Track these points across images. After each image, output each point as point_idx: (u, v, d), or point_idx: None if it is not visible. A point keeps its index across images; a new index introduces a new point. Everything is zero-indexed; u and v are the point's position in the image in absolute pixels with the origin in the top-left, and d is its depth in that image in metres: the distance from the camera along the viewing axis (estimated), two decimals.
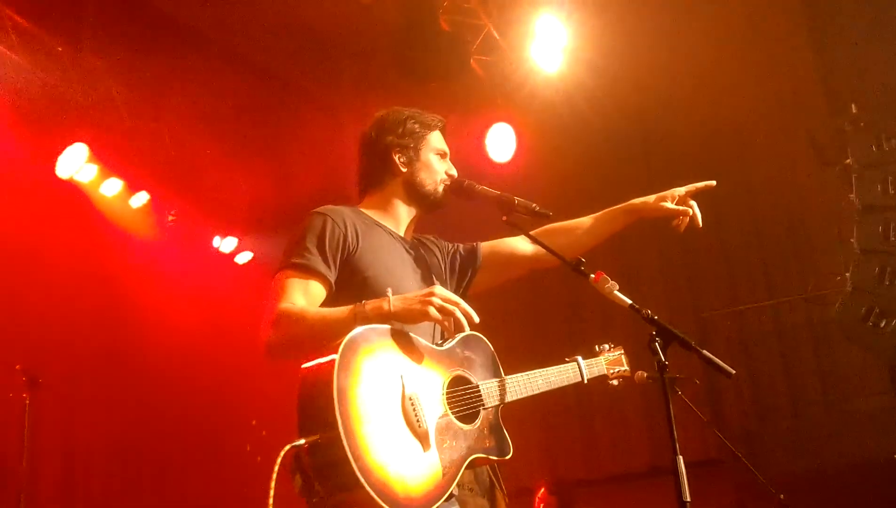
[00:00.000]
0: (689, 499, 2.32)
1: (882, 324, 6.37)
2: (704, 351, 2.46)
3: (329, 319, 2.55)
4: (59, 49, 6.87)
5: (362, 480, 2.26)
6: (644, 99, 8.39)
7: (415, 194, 2.98)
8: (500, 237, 3.22)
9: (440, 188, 2.99)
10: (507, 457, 2.74)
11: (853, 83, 7.48)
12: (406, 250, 2.95)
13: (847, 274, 6.64)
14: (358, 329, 2.45)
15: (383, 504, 2.27)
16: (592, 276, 2.63)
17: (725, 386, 8.14)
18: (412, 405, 2.48)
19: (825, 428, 7.64)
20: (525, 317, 9.06)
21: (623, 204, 3.20)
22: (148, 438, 8.27)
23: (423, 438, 2.48)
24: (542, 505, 6.68)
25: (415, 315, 2.54)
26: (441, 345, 2.74)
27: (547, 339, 8.90)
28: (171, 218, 8.49)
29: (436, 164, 3.00)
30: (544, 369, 3.00)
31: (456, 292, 3.04)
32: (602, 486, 8.47)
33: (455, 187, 3.01)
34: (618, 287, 2.59)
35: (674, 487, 2.33)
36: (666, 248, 8.62)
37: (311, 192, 7.37)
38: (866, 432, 7.00)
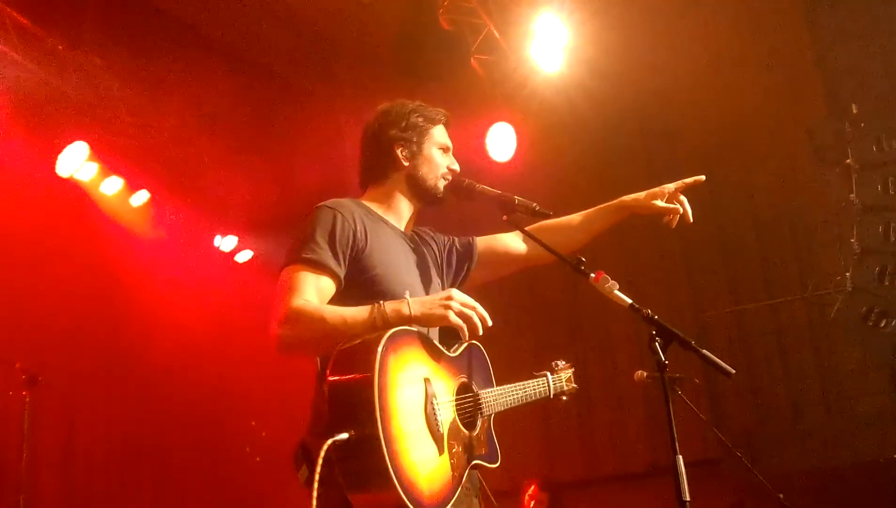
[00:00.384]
0: (688, 499, 2.32)
1: (882, 324, 6.38)
2: (704, 351, 2.47)
3: (350, 320, 2.53)
4: (60, 47, 6.88)
5: (394, 479, 2.28)
6: (644, 98, 8.39)
7: (416, 188, 2.98)
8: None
9: (441, 183, 2.99)
10: (496, 465, 2.81)
11: (854, 83, 7.48)
12: (408, 245, 2.96)
13: (847, 274, 6.64)
14: (393, 330, 2.46)
15: (410, 504, 2.30)
16: (592, 275, 2.63)
17: (725, 386, 8.12)
18: (433, 408, 2.52)
19: (825, 428, 7.64)
20: (524, 317, 9.05)
21: (615, 201, 3.21)
22: (147, 436, 8.28)
23: (439, 441, 2.53)
24: (532, 502, 6.68)
25: (434, 320, 2.56)
26: (452, 352, 2.77)
27: (546, 339, 8.89)
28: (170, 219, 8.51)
29: (438, 158, 3.00)
30: (523, 382, 3.07)
31: (451, 286, 3.07)
32: (601, 486, 8.47)
33: (455, 187, 3.00)
34: (618, 287, 2.59)
35: (673, 487, 2.34)
36: (666, 247, 8.61)
37: (311, 190, 7.37)
38: (866, 432, 7.00)
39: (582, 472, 8.60)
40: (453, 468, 2.56)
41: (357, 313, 2.54)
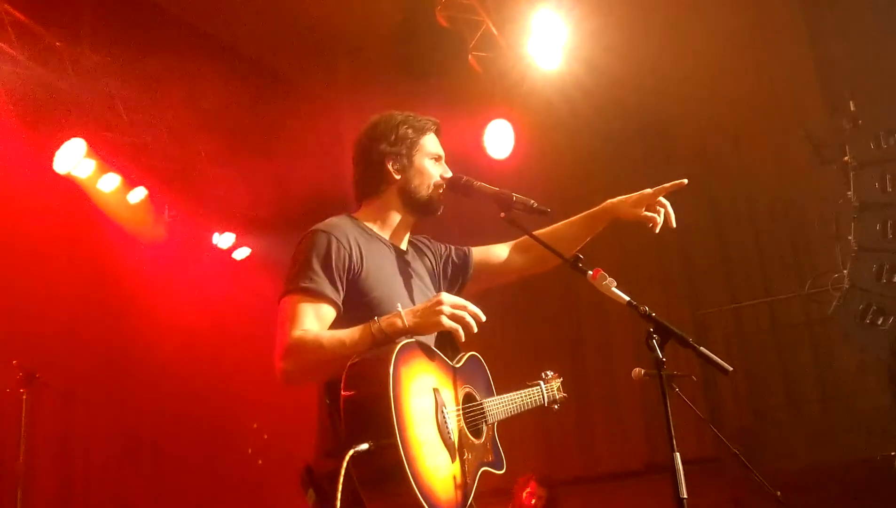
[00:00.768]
0: (686, 496, 2.32)
1: (879, 322, 6.38)
2: (702, 348, 2.47)
3: (349, 342, 2.56)
4: (57, 44, 6.87)
5: (414, 484, 2.34)
6: (642, 95, 8.39)
7: (409, 201, 2.97)
8: (499, 233, 3.21)
9: (434, 193, 2.98)
10: (503, 471, 2.87)
11: (852, 81, 7.48)
12: (403, 262, 2.96)
13: (845, 272, 6.65)
14: (403, 343, 2.51)
15: None
16: (590, 272, 2.63)
17: (723, 383, 8.14)
18: (443, 417, 2.58)
19: (822, 426, 7.66)
20: (522, 318, 9.04)
21: (599, 206, 3.20)
22: (145, 433, 8.28)
23: (451, 449, 2.59)
24: (532, 500, 6.67)
25: (429, 327, 2.60)
26: (454, 363, 2.81)
27: (545, 340, 8.90)
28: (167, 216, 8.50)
29: (430, 168, 2.98)
30: (520, 391, 3.14)
31: None
32: (599, 483, 8.48)
33: (453, 184, 3.00)
34: (615, 284, 2.59)
35: (671, 484, 2.34)
36: (664, 245, 8.60)
37: (309, 188, 7.38)
38: (863, 429, 7.01)
39: (580, 470, 8.61)
40: (465, 474, 2.61)
41: (354, 333, 2.57)
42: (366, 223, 2.94)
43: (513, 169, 7.74)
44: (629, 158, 8.79)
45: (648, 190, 3.10)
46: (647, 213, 3.08)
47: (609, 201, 3.18)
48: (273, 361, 2.60)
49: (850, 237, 6.60)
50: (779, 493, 4.66)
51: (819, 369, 8.04)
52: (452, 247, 3.22)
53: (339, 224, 2.83)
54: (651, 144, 8.85)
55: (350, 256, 2.73)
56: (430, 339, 2.82)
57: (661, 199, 3.08)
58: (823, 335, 7.94)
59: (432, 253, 3.15)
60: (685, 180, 3.08)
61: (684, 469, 2.34)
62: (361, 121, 3.08)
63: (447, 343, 2.87)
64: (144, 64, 7.07)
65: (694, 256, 8.70)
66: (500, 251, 3.24)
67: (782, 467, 6.86)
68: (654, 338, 2.47)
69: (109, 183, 7.84)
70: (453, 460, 2.58)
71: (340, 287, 2.70)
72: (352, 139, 3.08)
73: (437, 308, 2.57)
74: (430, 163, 2.99)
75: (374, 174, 2.97)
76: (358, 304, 2.72)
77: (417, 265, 3.02)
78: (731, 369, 2.47)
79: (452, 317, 2.57)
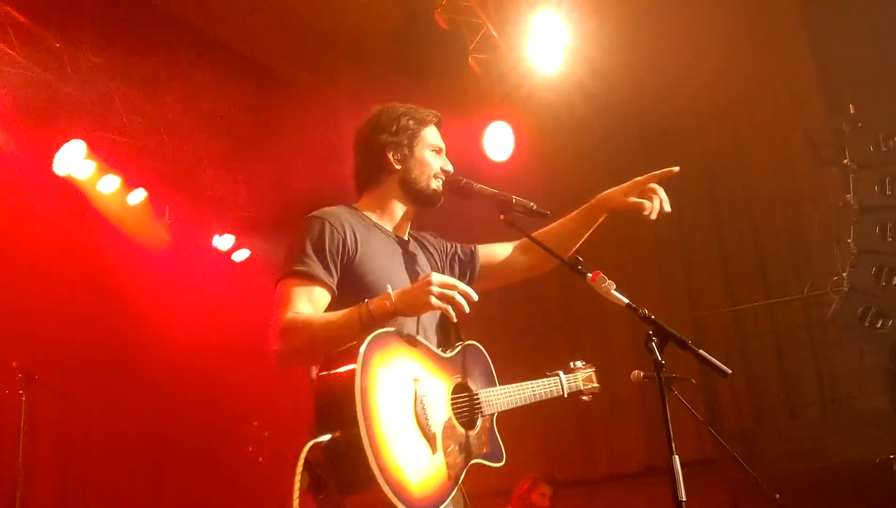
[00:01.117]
0: (684, 499, 2.32)
1: (879, 324, 6.38)
2: (701, 351, 2.46)
3: (336, 324, 2.56)
4: (57, 45, 6.87)
5: (380, 478, 2.30)
6: (642, 98, 8.39)
7: (410, 191, 2.96)
8: (498, 236, 3.21)
9: (434, 184, 2.97)
10: (501, 464, 2.82)
11: (851, 83, 7.49)
12: (403, 251, 2.95)
13: (844, 274, 6.65)
14: (376, 332, 2.49)
15: (398, 503, 2.32)
16: (590, 275, 2.62)
17: (722, 386, 8.14)
18: (423, 408, 2.54)
19: (822, 428, 7.65)
20: (521, 319, 9.04)
21: (594, 199, 3.16)
22: (144, 434, 8.28)
23: (431, 440, 2.55)
24: (545, 500, 6.65)
25: (418, 307, 2.57)
26: (445, 352, 2.79)
27: (544, 341, 8.89)
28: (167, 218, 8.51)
29: (430, 160, 2.98)
30: (531, 381, 3.05)
31: None
32: (598, 486, 8.47)
33: (452, 186, 3.00)
34: (615, 286, 2.59)
35: (670, 486, 2.34)
36: (663, 247, 8.61)
37: (309, 189, 7.36)
38: (862, 431, 7.01)
39: (579, 472, 8.60)
40: (449, 467, 2.57)
41: (343, 315, 2.57)
42: (365, 213, 2.94)
43: (512, 171, 7.73)
44: (629, 159, 8.78)
45: (639, 177, 3.07)
46: (638, 199, 3.04)
47: (602, 193, 3.16)
48: (268, 344, 2.61)
49: (849, 240, 6.61)
50: (778, 496, 4.66)
51: (818, 371, 8.03)
52: (458, 245, 3.22)
53: (334, 211, 2.84)
54: (651, 145, 8.84)
55: (344, 240, 2.74)
56: (431, 327, 2.82)
57: (653, 185, 3.04)
58: (823, 337, 7.93)
59: (436, 249, 3.14)
60: (676, 168, 3.05)
61: (683, 472, 2.34)
62: (359, 122, 3.08)
63: (451, 333, 2.86)
64: (144, 65, 7.08)
65: (693, 258, 8.70)
66: (504, 250, 3.23)
67: (781, 469, 6.86)
68: (654, 340, 2.46)
69: (109, 184, 7.84)
70: (434, 451, 2.54)
71: (334, 271, 2.70)
72: (351, 140, 3.08)
73: (426, 289, 2.53)
74: (431, 154, 3.00)
75: (374, 164, 2.97)
76: (352, 288, 2.71)
77: (418, 255, 3.01)
78: (730, 371, 2.46)
79: (441, 297, 2.52)
